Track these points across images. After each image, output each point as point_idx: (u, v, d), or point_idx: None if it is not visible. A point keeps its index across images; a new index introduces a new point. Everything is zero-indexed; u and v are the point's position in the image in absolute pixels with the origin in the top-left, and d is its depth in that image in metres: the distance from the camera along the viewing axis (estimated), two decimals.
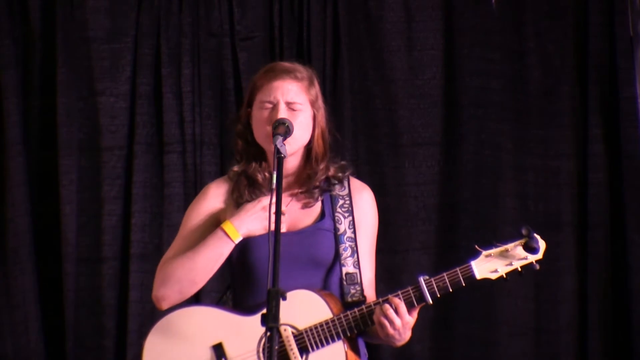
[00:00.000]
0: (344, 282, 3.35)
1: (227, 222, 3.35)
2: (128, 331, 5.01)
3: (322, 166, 3.44)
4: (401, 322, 3.22)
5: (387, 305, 3.22)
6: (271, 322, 2.94)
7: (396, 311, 3.22)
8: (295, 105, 3.41)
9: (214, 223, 3.45)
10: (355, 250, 3.37)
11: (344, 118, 5.05)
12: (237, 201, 3.43)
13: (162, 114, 5.09)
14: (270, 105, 3.41)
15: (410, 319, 3.24)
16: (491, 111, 5.07)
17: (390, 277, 4.96)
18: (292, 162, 3.43)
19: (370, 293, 3.40)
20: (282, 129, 3.30)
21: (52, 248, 5.06)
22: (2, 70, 5.04)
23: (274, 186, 3.17)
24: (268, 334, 2.94)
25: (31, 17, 5.08)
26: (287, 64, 3.50)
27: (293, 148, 3.39)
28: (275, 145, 3.23)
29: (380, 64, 5.10)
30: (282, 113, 3.38)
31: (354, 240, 3.38)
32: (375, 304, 3.26)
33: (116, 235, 5.07)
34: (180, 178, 5.08)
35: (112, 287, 5.06)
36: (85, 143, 5.09)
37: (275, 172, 3.18)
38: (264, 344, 3.23)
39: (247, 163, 3.46)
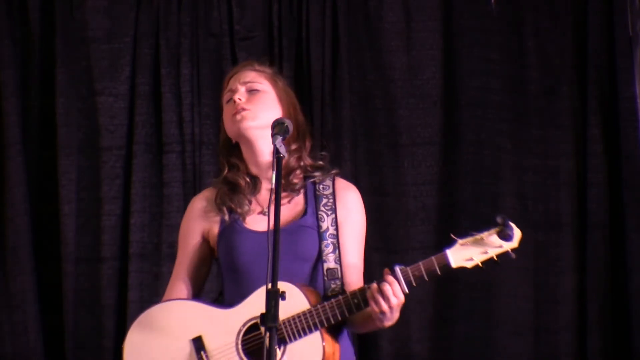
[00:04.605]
0: (325, 278, 3.38)
1: None
2: (127, 331, 5.00)
3: (294, 147, 3.48)
4: (397, 301, 3.22)
5: (385, 283, 3.22)
6: (270, 322, 2.95)
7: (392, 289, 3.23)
8: (255, 85, 3.49)
9: (205, 237, 3.53)
10: (336, 247, 3.40)
11: (343, 118, 5.05)
12: (219, 207, 3.48)
13: (161, 114, 5.09)
14: (230, 94, 3.49)
15: (402, 300, 3.24)
16: (491, 111, 5.06)
17: None
18: (265, 149, 3.46)
19: (356, 279, 3.43)
20: (281, 128, 3.30)
21: (51, 248, 5.06)
22: (1, 70, 5.04)
23: (273, 186, 3.18)
24: (267, 333, 2.95)
25: (30, 17, 5.07)
26: None
27: (252, 123, 3.43)
28: (275, 145, 3.23)
29: (379, 64, 5.09)
30: (241, 94, 3.46)
31: (336, 237, 3.41)
32: (359, 290, 3.26)
33: (115, 235, 5.07)
34: (180, 178, 5.08)
35: (111, 287, 5.05)
36: (84, 143, 5.09)
37: (274, 172, 3.19)
38: (242, 337, 3.29)
39: (228, 170, 3.52)
